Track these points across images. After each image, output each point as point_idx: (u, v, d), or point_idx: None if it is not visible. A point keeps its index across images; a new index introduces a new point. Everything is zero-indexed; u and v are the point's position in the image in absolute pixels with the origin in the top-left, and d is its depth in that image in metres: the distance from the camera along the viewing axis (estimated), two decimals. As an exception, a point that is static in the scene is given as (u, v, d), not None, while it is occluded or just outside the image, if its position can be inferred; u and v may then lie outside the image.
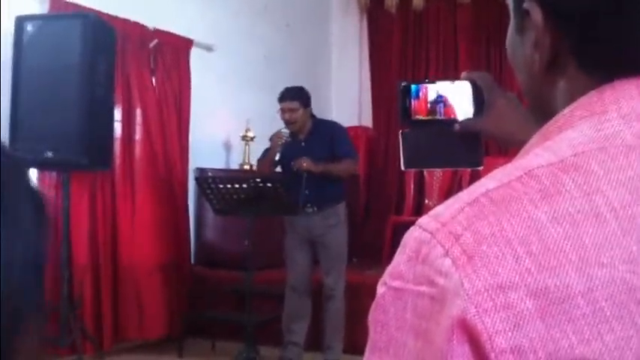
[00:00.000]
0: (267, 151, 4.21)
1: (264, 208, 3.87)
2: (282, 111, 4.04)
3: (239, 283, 4.16)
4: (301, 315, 4.09)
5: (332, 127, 4.20)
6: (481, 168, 0.96)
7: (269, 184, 3.75)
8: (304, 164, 3.91)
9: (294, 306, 4.08)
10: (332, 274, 4.01)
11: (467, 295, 0.44)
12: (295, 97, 4.02)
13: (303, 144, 4.07)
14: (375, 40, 6.76)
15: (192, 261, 5.28)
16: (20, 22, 3.94)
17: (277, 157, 4.07)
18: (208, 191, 3.87)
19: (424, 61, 6.49)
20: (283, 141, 3.98)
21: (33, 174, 4.31)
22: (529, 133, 0.57)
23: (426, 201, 5.79)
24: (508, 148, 0.99)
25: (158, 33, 4.91)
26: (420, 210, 5.74)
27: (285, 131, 4.01)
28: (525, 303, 0.43)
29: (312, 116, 4.14)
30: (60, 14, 4.23)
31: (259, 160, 4.28)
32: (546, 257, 0.44)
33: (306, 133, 4.09)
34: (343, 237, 4.07)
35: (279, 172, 4.14)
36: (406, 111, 0.92)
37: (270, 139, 4.19)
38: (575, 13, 0.52)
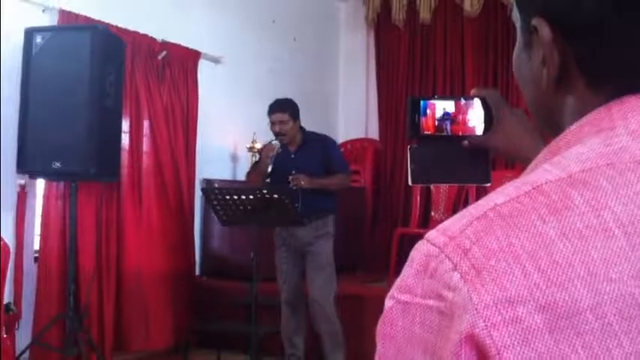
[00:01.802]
0: (256, 164, 4.21)
1: (271, 220, 3.86)
2: (272, 123, 4.04)
3: (245, 294, 4.15)
4: (297, 328, 4.08)
5: (323, 140, 4.19)
6: (489, 185, 0.96)
7: (275, 196, 3.75)
8: (302, 182, 3.91)
9: (289, 320, 4.07)
10: (316, 285, 3.96)
11: (475, 309, 0.44)
12: (285, 109, 4.03)
13: (293, 156, 4.07)
14: (382, 54, 6.78)
15: (198, 272, 5.29)
16: (29, 33, 3.98)
17: (270, 169, 4.04)
18: (215, 202, 3.88)
19: (431, 75, 6.50)
20: (274, 153, 3.97)
21: (41, 184, 4.33)
22: (537, 150, 0.57)
23: (432, 213, 5.78)
24: (514, 162, 0.99)
25: (166, 45, 4.95)
26: (426, 222, 5.72)
27: (276, 143, 3.99)
28: (534, 317, 0.43)
29: (302, 129, 4.14)
30: (69, 26, 4.26)
31: (248, 173, 4.27)
32: (555, 272, 0.44)
33: (297, 145, 4.09)
34: (329, 248, 4.04)
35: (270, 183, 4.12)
36: (414, 126, 0.92)
37: (259, 152, 4.19)
38: (584, 30, 0.52)
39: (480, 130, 0.92)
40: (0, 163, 3.94)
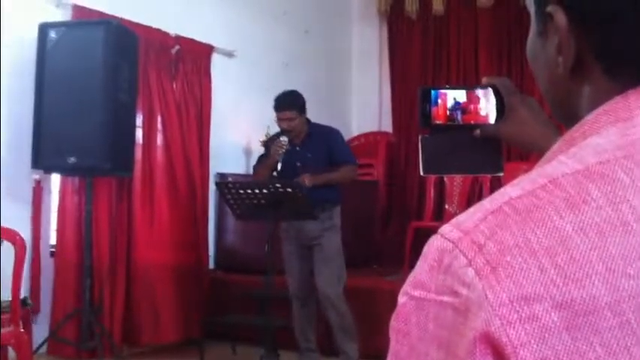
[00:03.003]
0: (262, 157, 4.18)
1: (285, 213, 3.86)
2: (280, 120, 3.99)
3: (259, 287, 4.16)
4: (309, 322, 4.08)
5: (328, 132, 4.13)
6: (502, 174, 0.95)
7: (289, 189, 3.75)
8: (306, 181, 3.88)
9: (301, 314, 4.07)
10: (324, 277, 3.93)
11: (491, 306, 0.43)
12: (292, 105, 3.97)
13: (297, 148, 4.03)
14: (395, 45, 6.75)
15: (213, 266, 5.31)
16: (43, 29, 4.00)
17: (279, 167, 3.95)
18: (229, 196, 3.88)
19: (445, 66, 6.47)
20: (284, 150, 3.91)
21: (56, 179, 4.36)
22: (550, 139, 0.56)
23: (446, 206, 5.76)
24: (529, 154, 0.97)
25: (179, 39, 4.96)
26: (440, 215, 5.70)
27: (285, 139, 3.93)
28: (551, 315, 0.42)
29: (307, 120, 4.10)
30: (83, 21, 4.28)
31: (255, 167, 4.23)
32: (572, 268, 0.43)
33: (302, 138, 4.05)
34: (337, 241, 4.00)
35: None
36: (426, 116, 0.91)
37: (265, 144, 4.17)
38: (601, 17, 0.51)
39: (491, 119, 0.91)
40: (0, 156, 3.97)
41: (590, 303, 0.42)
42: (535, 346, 0.42)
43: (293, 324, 4.16)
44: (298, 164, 3.98)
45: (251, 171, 5.62)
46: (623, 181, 0.46)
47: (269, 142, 4.10)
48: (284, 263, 4.09)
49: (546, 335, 0.42)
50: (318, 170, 3.98)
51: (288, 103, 4.00)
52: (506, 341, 0.43)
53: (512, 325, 0.43)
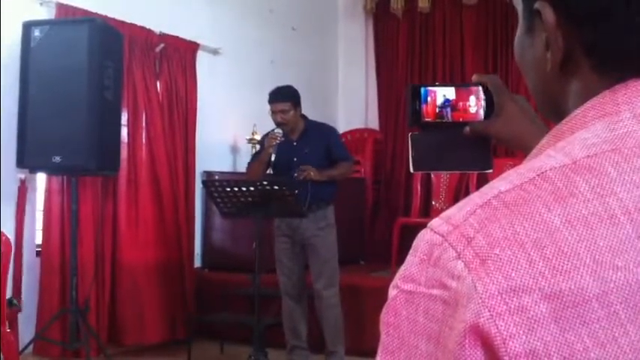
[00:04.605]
0: (256, 154, 4.17)
1: (272, 211, 3.86)
2: (274, 112, 3.97)
3: (247, 285, 4.16)
4: (301, 318, 4.08)
5: (326, 130, 4.16)
6: (490, 171, 0.96)
7: (276, 187, 3.74)
8: (311, 173, 3.89)
9: (293, 310, 4.07)
10: (321, 278, 3.94)
11: (480, 298, 0.44)
12: (287, 97, 3.97)
13: (295, 144, 4.03)
14: (381, 43, 6.76)
15: (200, 264, 5.29)
16: (27, 27, 3.96)
17: (273, 158, 3.96)
18: (215, 194, 3.87)
19: (431, 63, 6.49)
20: (278, 141, 3.91)
21: (41, 178, 4.32)
22: (538, 137, 0.56)
23: (433, 203, 5.78)
24: (516, 151, 0.98)
25: (164, 37, 4.93)
26: (427, 211, 5.72)
27: (279, 131, 3.93)
28: (539, 306, 0.43)
29: (303, 116, 4.11)
30: (67, 19, 4.25)
31: (250, 164, 4.20)
32: (560, 260, 0.44)
33: (298, 133, 4.05)
34: (333, 240, 4.01)
35: (272, 175, 4.08)
36: (415, 113, 0.91)
37: (260, 142, 4.16)
38: (589, 12, 0.51)
39: (481, 116, 0.91)
40: (0, 159, 3.93)
41: (578, 294, 0.43)
42: (524, 337, 0.43)
43: (282, 321, 4.16)
44: (295, 160, 3.98)
45: (238, 169, 5.62)
46: (610, 174, 0.46)
47: (264, 139, 4.09)
48: (275, 260, 4.08)
49: (535, 326, 0.43)
50: (315, 166, 3.98)
51: (282, 95, 3.99)
52: (496, 333, 0.43)
53: (502, 317, 0.43)
